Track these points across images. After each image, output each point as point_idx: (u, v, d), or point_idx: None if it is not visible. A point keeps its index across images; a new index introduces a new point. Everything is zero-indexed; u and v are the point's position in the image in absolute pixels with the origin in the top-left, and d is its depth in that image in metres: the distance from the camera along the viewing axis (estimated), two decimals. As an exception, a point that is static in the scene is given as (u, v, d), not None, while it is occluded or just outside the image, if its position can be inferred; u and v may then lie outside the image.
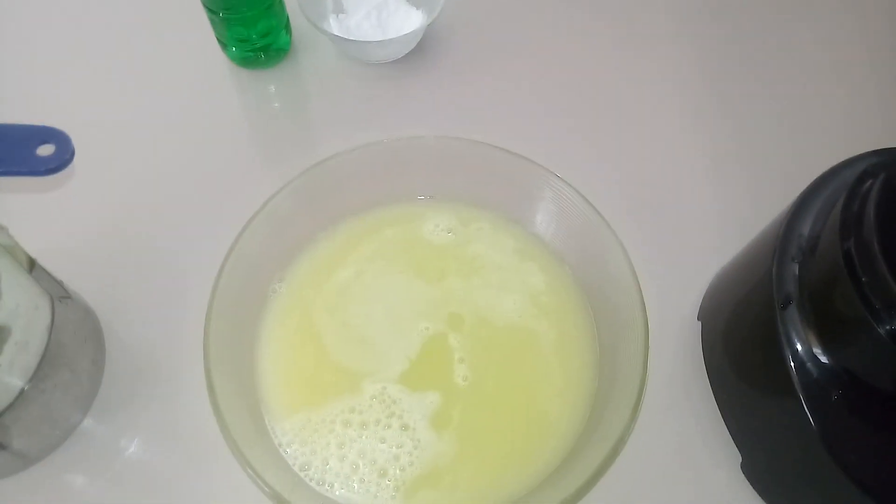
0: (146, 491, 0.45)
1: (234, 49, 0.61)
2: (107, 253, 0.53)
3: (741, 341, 0.46)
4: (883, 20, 0.71)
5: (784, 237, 0.41)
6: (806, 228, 0.42)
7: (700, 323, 0.51)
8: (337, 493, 0.40)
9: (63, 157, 0.34)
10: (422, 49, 0.65)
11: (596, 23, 0.69)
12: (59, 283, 0.46)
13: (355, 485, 0.41)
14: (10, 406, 0.40)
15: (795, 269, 0.41)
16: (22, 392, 0.40)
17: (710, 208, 0.57)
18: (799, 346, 0.39)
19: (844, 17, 0.71)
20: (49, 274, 0.45)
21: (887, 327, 0.34)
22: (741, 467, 0.46)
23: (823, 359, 0.38)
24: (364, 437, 0.42)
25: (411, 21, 0.62)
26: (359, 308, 0.46)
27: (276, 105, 0.63)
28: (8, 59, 0.65)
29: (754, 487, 0.45)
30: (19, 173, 0.34)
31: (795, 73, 0.66)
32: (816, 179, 0.43)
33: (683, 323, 0.51)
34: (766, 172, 0.59)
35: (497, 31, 0.68)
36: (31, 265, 0.43)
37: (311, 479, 0.40)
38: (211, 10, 0.57)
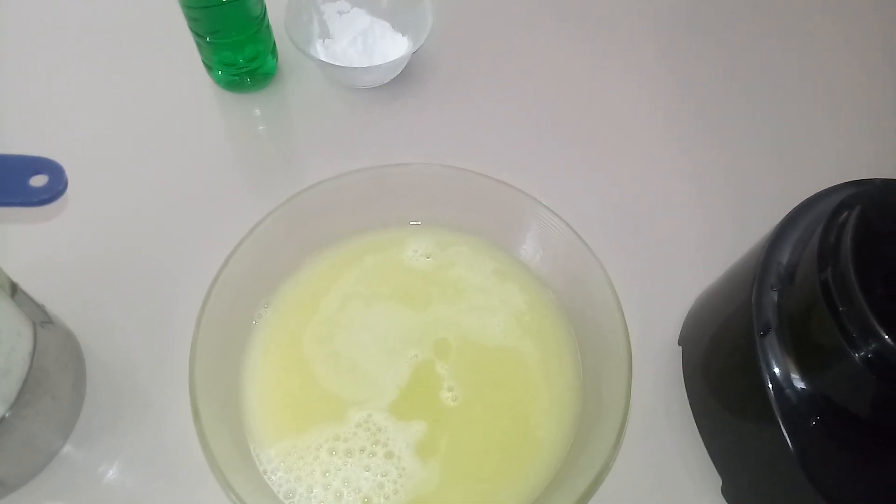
0: (127, 519, 0.44)
1: (219, 72, 0.61)
2: (88, 277, 0.53)
3: (721, 367, 0.46)
4: (868, 52, 0.73)
5: (763, 265, 0.42)
6: (784, 257, 0.43)
7: (681, 348, 0.51)
8: (321, 520, 0.40)
9: (56, 187, 0.34)
10: (407, 75, 0.65)
11: (580, 50, 0.70)
12: (41, 308, 0.45)
13: (340, 512, 0.41)
14: (-9, 433, 0.39)
15: (774, 296, 0.41)
16: (3, 419, 0.40)
17: (691, 234, 0.58)
18: (778, 373, 0.40)
19: (830, 48, 0.73)
20: (31, 298, 0.44)
21: (863, 355, 0.35)
22: (722, 491, 0.46)
23: (802, 385, 0.39)
24: (349, 464, 0.42)
25: (397, 47, 0.63)
26: (346, 337, 0.46)
27: (262, 128, 0.63)
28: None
29: (735, 511, 0.46)
30: (12, 204, 0.33)
31: (779, 101, 0.68)
32: (794, 209, 0.44)
33: (664, 347, 0.52)
34: (746, 200, 0.60)
35: (482, 58, 0.69)
36: (13, 290, 0.43)
37: (295, 507, 0.40)
38: (198, 35, 0.57)
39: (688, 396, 0.49)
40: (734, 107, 0.67)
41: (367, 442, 0.43)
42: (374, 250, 0.51)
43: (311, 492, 0.41)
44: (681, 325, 0.52)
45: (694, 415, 0.49)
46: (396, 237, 0.51)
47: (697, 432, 0.48)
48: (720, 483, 0.46)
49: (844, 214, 0.39)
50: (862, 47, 0.73)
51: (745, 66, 0.70)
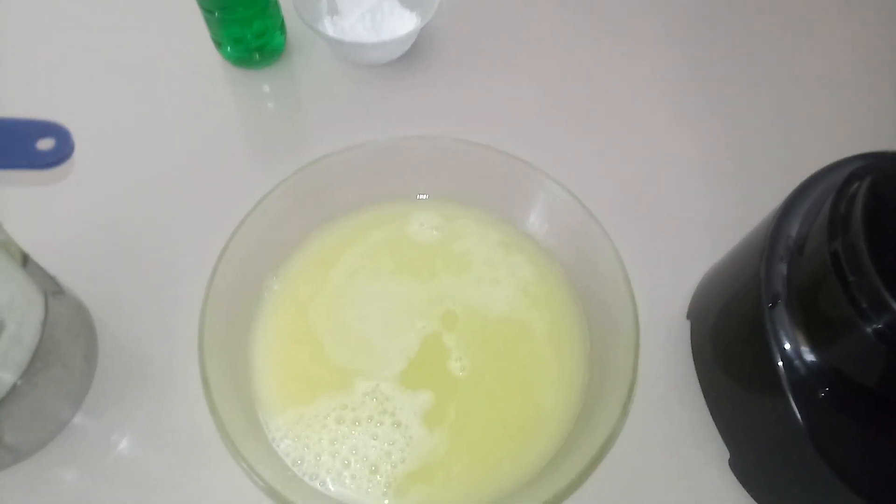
0: (137, 486, 0.45)
1: (228, 48, 0.61)
2: (99, 249, 0.53)
3: (730, 339, 0.46)
4: (873, 25, 0.72)
5: (772, 237, 0.42)
6: (794, 229, 0.42)
7: (689, 322, 0.51)
8: (329, 487, 0.40)
9: (63, 151, 0.34)
10: (415, 51, 0.65)
11: (589, 26, 0.70)
12: (52, 279, 0.46)
13: (347, 480, 0.41)
14: (2, 401, 0.40)
15: (784, 268, 0.41)
16: (14, 387, 0.40)
17: (700, 208, 0.58)
18: (787, 345, 0.40)
19: (835, 22, 0.72)
20: (42, 269, 0.45)
21: (874, 326, 0.35)
22: (729, 464, 0.46)
23: (811, 357, 0.39)
24: (356, 433, 0.42)
25: (405, 23, 0.63)
26: (354, 308, 0.47)
27: (270, 105, 0.63)
28: (7, 54, 0.65)
29: (742, 484, 0.46)
30: (19, 166, 0.34)
31: (786, 77, 0.67)
32: (804, 182, 0.44)
33: (673, 321, 0.52)
34: (756, 175, 0.60)
35: (490, 34, 0.68)
36: (25, 260, 0.43)
37: (303, 474, 0.41)
38: (207, 10, 0.57)
39: (696, 370, 0.49)
40: (743, 82, 0.67)
41: (375, 411, 0.43)
42: (381, 223, 0.51)
43: (319, 459, 0.41)
44: (689, 300, 0.52)
45: (702, 388, 0.49)
46: (403, 210, 0.51)
47: (705, 406, 0.48)
48: (728, 456, 0.46)
49: (855, 185, 0.39)
50: (870, 20, 0.72)
51: (753, 41, 0.70)
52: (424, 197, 0.51)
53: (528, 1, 0.71)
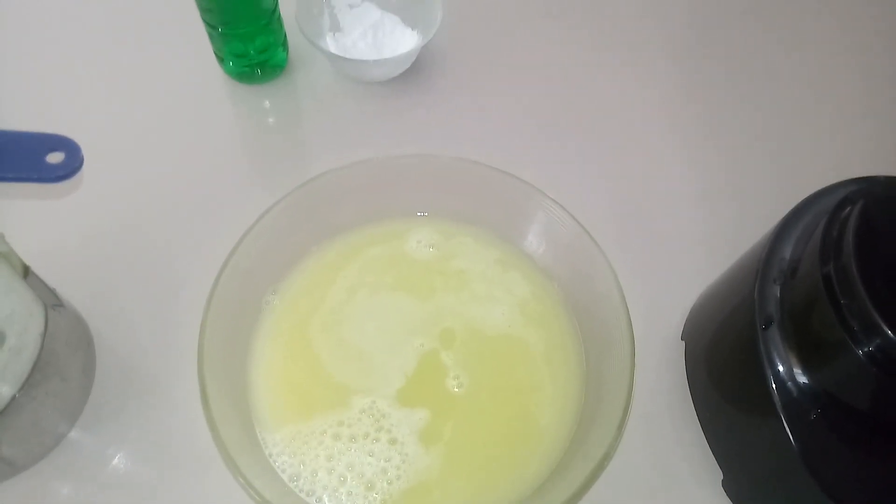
0: (133, 499, 0.45)
1: (231, 63, 0.62)
2: (99, 262, 0.54)
3: (723, 360, 0.47)
4: (870, 47, 0.73)
5: (766, 260, 0.43)
6: (787, 252, 0.43)
7: (684, 342, 0.52)
8: (325, 504, 0.41)
9: (73, 164, 0.34)
10: (417, 69, 0.66)
11: (589, 46, 0.71)
12: (52, 291, 0.46)
13: (343, 497, 0.41)
14: (1, 413, 0.40)
15: (777, 291, 0.42)
16: (13, 399, 0.40)
17: (695, 230, 0.59)
18: (780, 366, 0.40)
19: (833, 46, 0.73)
20: (42, 281, 0.45)
21: (865, 349, 0.35)
22: (722, 485, 0.47)
23: (803, 378, 0.40)
24: (353, 450, 0.42)
25: (406, 41, 0.63)
26: (352, 325, 0.47)
27: (271, 120, 0.64)
28: (11, 66, 0.66)
29: (735, 505, 0.46)
30: (30, 180, 0.34)
31: (781, 100, 0.68)
32: (797, 205, 0.45)
33: (667, 342, 0.52)
34: (750, 196, 0.61)
35: (491, 53, 0.69)
36: (26, 272, 0.43)
37: (300, 490, 0.41)
38: (210, 25, 0.58)
39: (690, 390, 0.50)
40: (738, 104, 0.67)
41: (371, 428, 0.43)
42: (378, 240, 0.51)
43: (316, 475, 0.41)
44: (684, 321, 0.53)
45: (695, 409, 0.49)
46: (401, 228, 0.52)
47: (699, 426, 0.48)
48: (721, 476, 0.47)
49: (847, 210, 0.39)
50: (865, 45, 0.73)
51: (749, 63, 0.71)
52: (423, 214, 0.52)
53: (528, 21, 0.72)
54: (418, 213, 0.52)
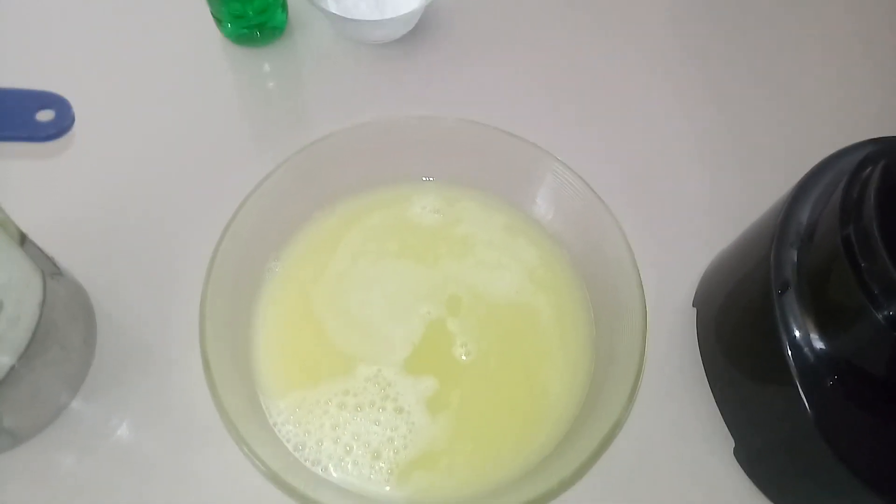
0: (136, 470, 0.44)
1: (229, 25, 0.60)
2: (97, 229, 0.53)
3: (736, 327, 0.46)
4: (890, 8, 0.71)
5: (783, 224, 0.41)
6: (805, 215, 0.42)
7: (695, 309, 0.51)
8: (332, 473, 0.40)
9: (63, 123, 0.33)
10: (420, 30, 0.64)
11: (596, 8, 0.69)
12: (51, 259, 0.45)
13: (349, 466, 0.40)
14: (0, 384, 0.39)
15: (794, 255, 0.41)
16: (12, 369, 0.39)
17: (706, 194, 0.57)
18: (796, 332, 0.39)
19: (847, 3, 0.71)
20: (40, 249, 0.44)
21: (886, 313, 0.34)
22: (734, 453, 0.46)
23: (820, 345, 0.39)
24: (358, 419, 0.42)
25: (409, 1, 0.61)
26: (356, 293, 0.46)
27: (271, 84, 0.62)
28: (4, 24, 0.64)
29: (747, 473, 0.45)
30: (18, 138, 0.33)
31: (794, 61, 0.66)
32: (816, 166, 0.43)
33: (678, 309, 0.51)
34: (762, 161, 0.59)
35: (496, 13, 0.67)
36: (22, 239, 0.42)
37: (305, 460, 0.40)
38: (207, -14, 0.56)
39: (701, 358, 0.49)
40: (751, 66, 0.66)
41: (377, 396, 0.42)
42: (382, 206, 0.50)
43: (321, 445, 0.41)
44: (695, 287, 0.52)
45: (707, 376, 0.48)
46: (405, 192, 0.50)
47: (710, 394, 0.48)
48: (732, 445, 0.46)
49: (868, 170, 0.38)
50: (883, 4, 0.71)
51: (763, 23, 0.69)
52: (427, 179, 0.51)
53: (535, -20, 0.70)
54: (423, 178, 0.51)
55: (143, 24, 0.64)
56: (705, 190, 0.58)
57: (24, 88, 0.34)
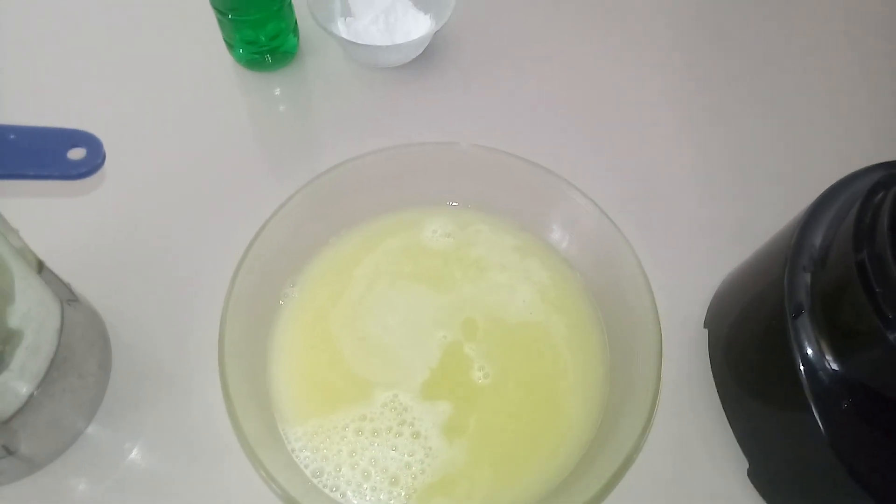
0: (152, 496, 0.44)
1: (241, 51, 0.61)
2: (111, 255, 0.53)
3: (749, 349, 0.46)
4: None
5: (796, 247, 0.42)
6: (817, 239, 0.42)
7: (707, 330, 0.51)
8: (350, 500, 0.40)
9: (95, 160, 0.33)
10: (430, 54, 0.65)
11: (607, 30, 0.69)
12: (67, 286, 0.45)
13: (367, 492, 0.41)
14: (19, 411, 0.39)
15: (807, 278, 0.41)
16: (31, 397, 0.40)
17: (714, 215, 0.58)
18: (810, 355, 0.39)
19: (861, 28, 0.72)
20: (57, 276, 0.44)
21: (900, 337, 0.35)
22: (748, 474, 0.46)
23: (834, 367, 0.39)
24: (376, 444, 0.42)
25: (419, 26, 0.62)
26: (372, 318, 0.46)
27: (282, 108, 0.63)
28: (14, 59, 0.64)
29: (761, 494, 0.45)
30: (51, 177, 0.33)
31: (804, 84, 0.67)
32: (827, 190, 0.44)
33: (690, 330, 0.52)
34: (770, 182, 0.60)
35: (507, 38, 0.68)
36: (40, 267, 0.42)
37: (324, 486, 0.40)
38: (220, 11, 0.57)
39: (714, 379, 0.49)
40: (765, 88, 0.66)
41: (394, 422, 0.42)
42: (395, 230, 0.50)
43: (339, 471, 0.41)
44: (706, 308, 0.52)
45: (720, 397, 0.48)
46: (416, 217, 0.51)
47: (724, 415, 0.48)
48: (747, 466, 0.46)
49: (880, 195, 0.38)
50: (893, 26, 0.72)
51: (777, 45, 0.69)
52: (440, 203, 0.51)
53: (544, 5, 0.70)
54: (433, 203, 0.51)
55: (155, 53, 0.65)
56: (714, 210, 0.58)
57: (53, 127, 0.34)
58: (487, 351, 0.45)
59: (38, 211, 0.54)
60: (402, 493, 0.41)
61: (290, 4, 0.60)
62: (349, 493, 0.40)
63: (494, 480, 0.41)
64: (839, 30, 0.71)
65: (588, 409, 0.44)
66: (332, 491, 0.40)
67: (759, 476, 0.45)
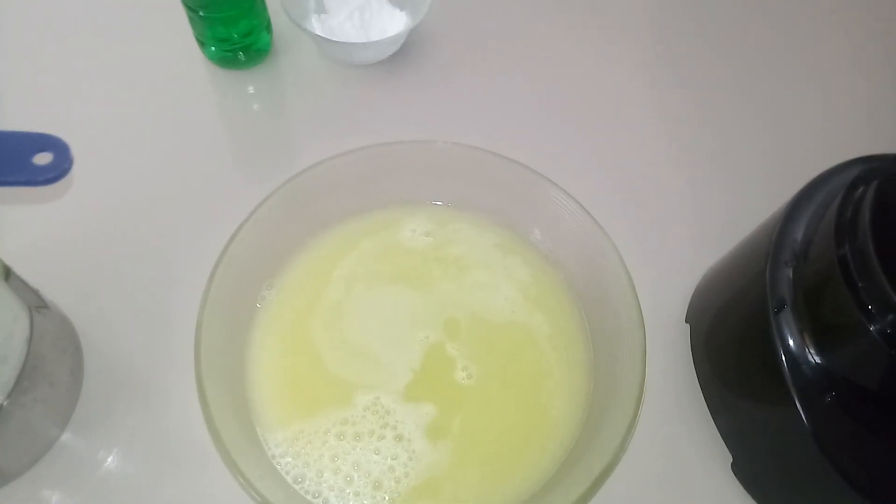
0: (128, 505, 0.43)
1: (213, 49, 0.59)
2: (82, 260, 0.51)
3: (731, 343, 0.46)
4: (879, 24, 0.72)
5: (777, 241, 0.42)
6: (798, 233, 0.42)
7: (688, 325, 0.51)
8: (333, 505, 0.39)
9: (62, 165, 0.32)
10: (405, 51, 0.64)
11: (585, 26, 0.69)
12: (36, 293, 0.44)
13: (350, 498, 0.40)
14: (-12, 423, 0.38)
15: (789, 273, 0.41)
16: (1, 408, 0.38)
17: (695, 210, 0.58)
18: (793, 350, 0.39)
19: (840, 20, 0.72)
20: (25, 283, 0.43)
21: (882, 330, 0.35)
22: (732, 468, 0.46)
23: (817, 361, 0.39)
24: (358, 448, 0.41)
25: (395, 23, 0.61)
26: (352, 320, 0.45)
27: (256, 107, 0.62)
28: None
29: (745, 488, 0.46)
30: (16, 183, 0.32)
31: (783, 79, 0.67)
32: (807, 185, 0.44)
33: (671, 325, 0.52)
34: (751, 177, 0.60)
35: (483, 35, 0.67)
36: (7, 274, 0.41)
37: (306, 492, 0.39)
38: (190, 9, 0.56)
39: (696, 373, 0.49)
40: (742, 83, 0.66)
41: (376, 425, 0.42)
42: (373, 231, 0.49)
43: (321, 476, 0.40)
44: (687, 303, 0.52)
45: (703, 392, 0.48)
46: (394, 217, 0.50)
47: (706, 409, 0.48)
48: (730, 460, 0.46)
49: (861, 190, 0.39)
50: (872, 21, 0.72)
51: (754, 39, 0.70)
52: (416, 202, 0.50)
53: (520, 2, 0.70)
54: (412, 202, 0.50)
55: (124, 51, 0.63)
56: (694, 205, 0.58)
57: (18, 130, 0.33)
58: (470, 351, 0.44)
59: (3, 215, 0.53)
60: (386, 498, 0.40)
61: (262, 1, 0.58)
62: (332, 498, 0.40)
63: (480, 482, 0.41)
64: (819, 26, 0.72)
65: (573, 408, 0.43)
66: (314, 497, 0.39)
67: (743, 470, 0.46)
